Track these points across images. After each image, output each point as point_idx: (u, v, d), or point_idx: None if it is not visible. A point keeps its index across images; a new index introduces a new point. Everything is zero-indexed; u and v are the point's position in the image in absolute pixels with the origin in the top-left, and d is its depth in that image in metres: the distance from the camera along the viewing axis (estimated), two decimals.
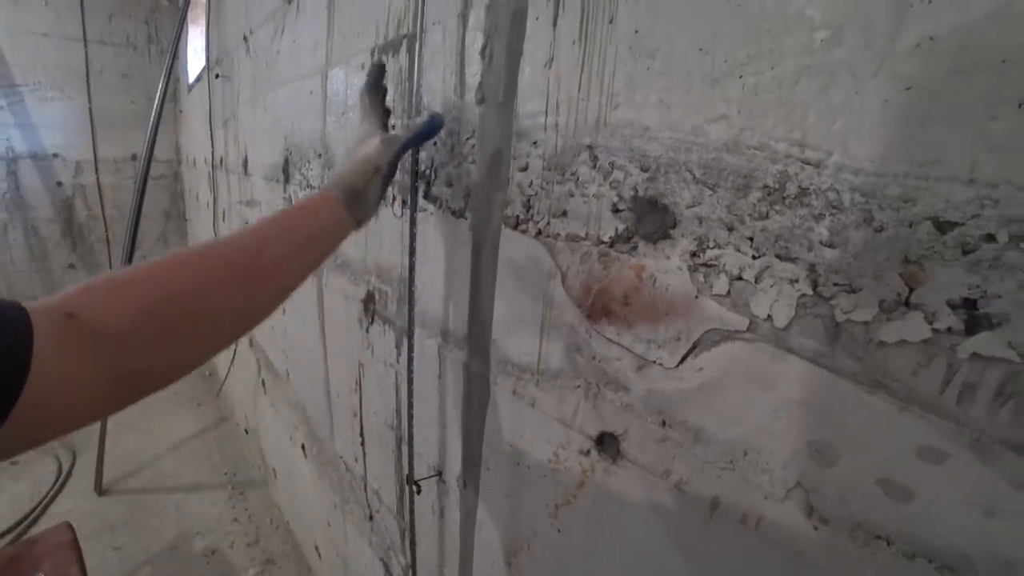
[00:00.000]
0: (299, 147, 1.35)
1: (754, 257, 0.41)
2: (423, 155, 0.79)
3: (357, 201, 0.60)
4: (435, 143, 0.77)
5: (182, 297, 0.43)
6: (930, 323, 0.33)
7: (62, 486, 2.37)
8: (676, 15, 0.44)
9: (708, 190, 0.43)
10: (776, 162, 0.39)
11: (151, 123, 2.30)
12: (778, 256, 0.39)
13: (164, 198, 4.05)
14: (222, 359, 2.93)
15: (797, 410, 0.39)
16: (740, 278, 0.42)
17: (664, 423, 0.49)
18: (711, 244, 0.43)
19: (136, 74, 3.77)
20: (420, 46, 0.76)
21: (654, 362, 0.49)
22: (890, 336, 0.34)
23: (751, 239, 0.41)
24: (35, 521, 2.14)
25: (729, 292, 0.43)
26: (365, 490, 1.24)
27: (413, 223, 0.76)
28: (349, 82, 1.03)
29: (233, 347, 2.60)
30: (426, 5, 0.74)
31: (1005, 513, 0.31)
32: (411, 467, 0.89)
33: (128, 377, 0.40)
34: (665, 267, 0.47)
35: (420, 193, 0.81)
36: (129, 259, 2.33)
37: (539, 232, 0.60)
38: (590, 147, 0.53)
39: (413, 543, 0.95)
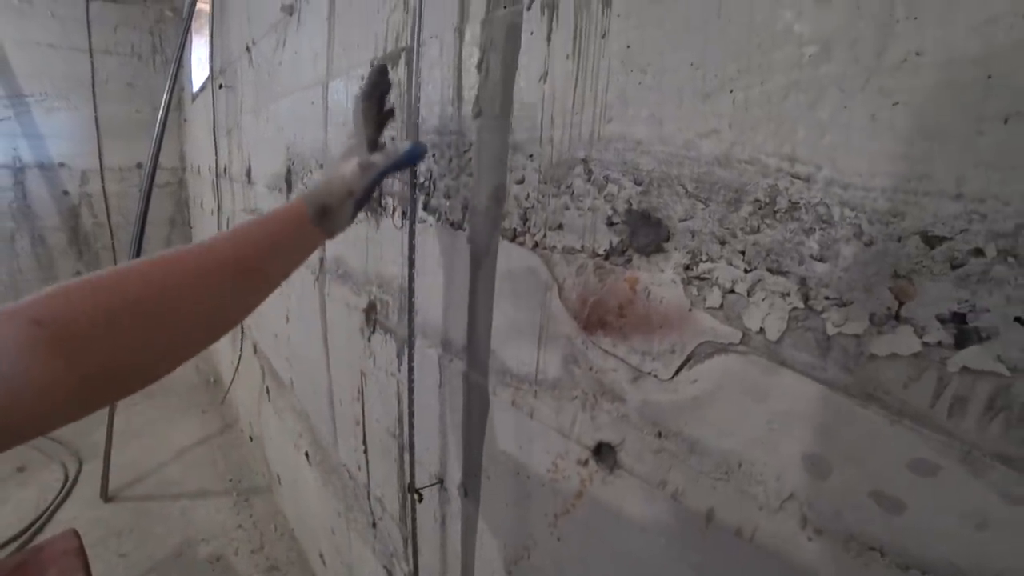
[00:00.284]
0: (301, 157, 1.36)
1: (746, 271, 0.41)
2: (422, 167, 0.80)
3: (327, 218, 0.60)
4: (433, 155, 0.77)
5: (147, 301, 0.43)
6: (920, 337, 0.33)
7: (68, 493, 2.38)
8: (667, 30, 0.44)
9: (700, 204, 0.43)
10: (767, 176, 0.39)
11: (156, 132, 2.32)
12: (770, 270, 0.40)
13: (169, 205, 4.09)
14: (226, 366, 2.94)
15: (790, 422, 0.40)
16: (732, 291, 0.42)
17: (660, 434, 0.49)
18: (704, 257, 0.44)
19: (141, 84, 3.81)
20: (418, 59, 0.77)
21: (649, 374, 0.50)
22: (881, 349, 0.35)
23: (743, 253, 0.41)
24: (41, 528, 2.15)
25: (722, 305, 0.43)
26: (368, 498, 1.24)
27: (412, 235, 0.77)
28: (349, 93, 1.04)
29: (238, 354, 2.61)
30: (423, 19, 0.75)
31: (996, 525, 0.31)
32: (413, 475, 0.89)
33: (95, 381, 0.40)
34: (659, 280, 0.48)
35: (420, 205, 0.81)
36: None
37: (536, 244, 0.60)
38: (584, 161, 0.53)
39: (415, 551, 0.96)
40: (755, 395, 0.42)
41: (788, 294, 0.39)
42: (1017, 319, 0.29)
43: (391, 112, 0.70)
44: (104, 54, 3.65)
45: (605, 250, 0.52)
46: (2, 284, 3.23)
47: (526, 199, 0.61)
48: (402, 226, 0.89)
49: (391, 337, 0.99)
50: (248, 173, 1.96)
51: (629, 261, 0.50)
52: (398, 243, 0.91)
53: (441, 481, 0.89)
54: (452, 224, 0.75)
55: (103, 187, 3.79)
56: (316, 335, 1.42)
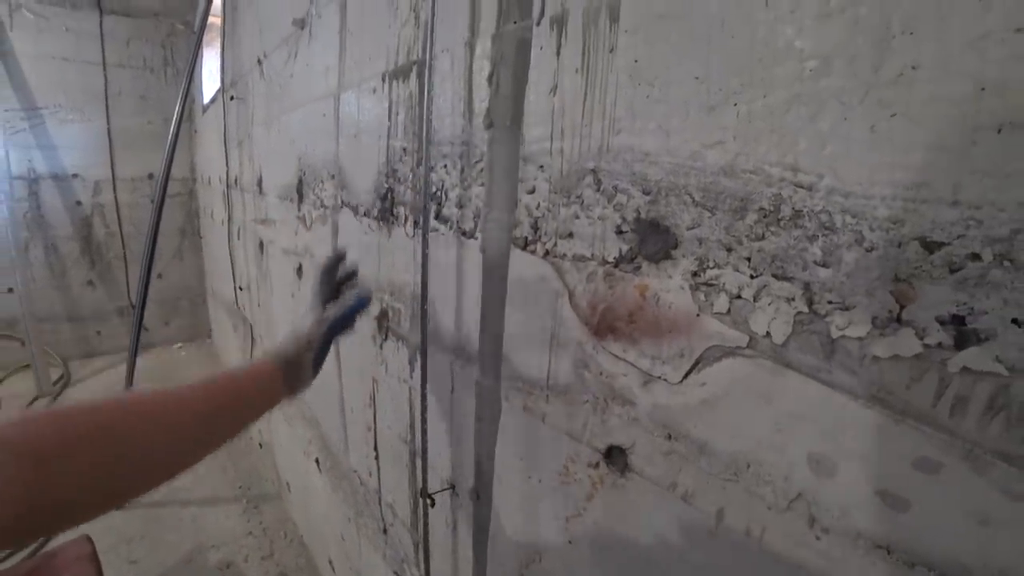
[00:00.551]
0: (313, 167, 1.38)
1: (752, 276, 0.42)
2: (434, 177, 0.82)
3: (294, 371, 0.66)
4: (445, 166, 0.79)
5: (106, 441, 0.44)
6: (921, 339, 0.34)
7: None
8: (673, 46, 0.46)
9: (707, 212, 0.45)
10: (771, 185, 0.41)
11: (168, 144, 2.36)
12: (775, 275, 0.41)
13: (179, 216, 4.14)
14: None
15: (796, 423, 0.41)
16: (739, 296, 0.43)
17: (670, 436, 0.51)
18: (711, 264, 0.45)
19: (153, 96, 3.88)
20: (430, 72, 0.79)
21: (659, 377, 0.51)
22: (883, 351, 0.36)
23: (749, 259, 0.42)
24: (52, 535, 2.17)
25: (729, 310, 0.44)
26: (379, 504, 1.25)
27: (426, 244, 0.78)
28: (361, 105, 1.06)
29: None
30: (435, 34, 0.77)
31: (999, 522, 0.32)
32: (425, 481, 0.91)
33: (44, 508, 0.40)
34: (667, 286, 0.49)
35: (432, 214, 0.83)
36: (147, 275, 2.38)
37: (547, 253, 0.62)
38: (594, 171, 0.55)
39: (427, 556, 0.97)
40: (762, 397, 0.43)
41: (793, 299, 0.40)
42: (1014, 321, 0.30)
43: (350, 275, 0.80)
44: (117, 67, 3.71)
45: (615, 258, 0.54)
46: (17, 293, 3.28)
47: (537, 208, 0.63)
48: (414, 235, 0.91)
49: (403, 344, 1.01)
50: (259, 183, 1.99)
51: (638, 268, 0.52)
52: (410, 251, 0.93)
53: (453, 486, 0.90)
54: (464, 233, 0.77)
55: (115, 197, 3.84)
56: None
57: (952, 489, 0.34)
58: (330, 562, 1.81)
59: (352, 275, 0.81)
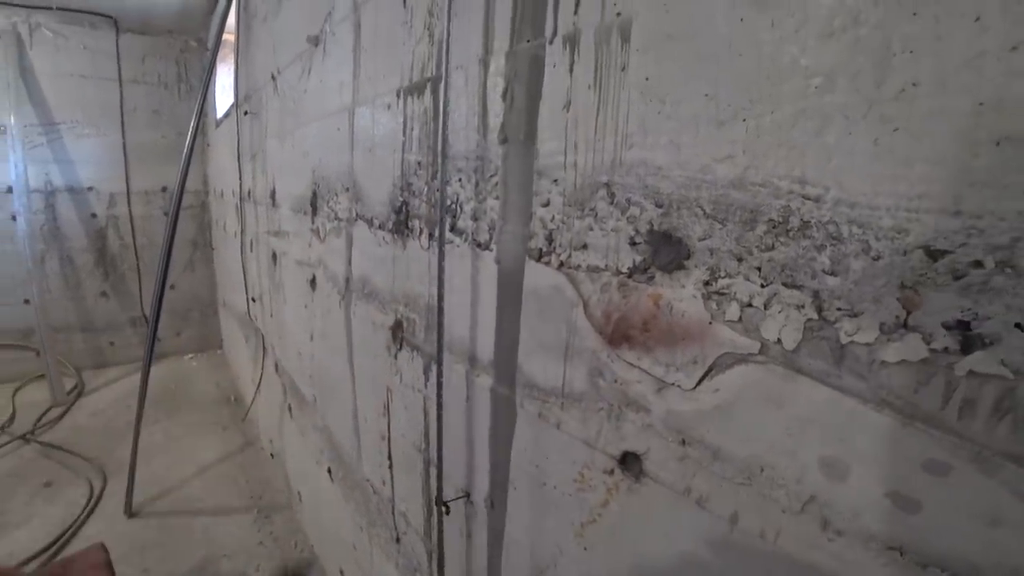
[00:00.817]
0: (327, 180, 1.41)
1: (762, 285, 0.44)
2: (449, 190, 0.84)
3: None
4: (460, 180, 0.82)
5: None
6: (928, 344, 0.35)
7: (93, 509, 2.42)
8: (683, 63, 0.48)
9: (718, 224, 0.47)
10: (779, 198, 0.42)
11: (184, 158, 2.40)
12: (785, 284, 0.42)
13: (191, 227, 4.20)
14: (247, 384, 3.00)
15: (808, 427, 0.42)
16: (750, 305, 0.45)
17: (684, 442, 0.52)
18: (723, 274, 0.47)
19: (166, 111, 3.96)
20: (446, 89, 0.81)
21: (672, 384, 0.52)
22: (891, 356, 0.37)
23: (759, 268, 0.44)
24: (67, 543, 2.19)
25: (741, 318, 0.46)
26: (392, 513, 1.26)
27: (442, 256, 0.80)
28: (376, 120, 1.09)
29: (259, 373, 2.66)
30: (449, 52, 0.79)
31: (1009, 523, 0.33)
32: (440, 489, 0.92)
33: None
34: (680, 295, 0.51)
35: (447, 226, 0.85)
36: (162, 287, 2.41)
37: (561, 264, 0.64)
38: (607, 184, 0.57)
39: (441, 564, 0.97)
40: (774, 402, 0.44)
41: (803, 306, 0.41)
42: (1017, 325, 0.32)
43: None
44: (132, 83, 3.80)
45: (628, 268, 0.55)
46: (33, 304, 3.33)
47: (551, 221, 0.65)
48: (428, 247, 0.93)
49: (418, 354, 1.02)
50: (272, 196, 2.03)
51: (652, 278, 0.53)
52: (425, 263, 0.95)
53: (468, 494, 0.91)
54: (479, 244, 0.79)
55: (129, 210, 3.92)
56: (341, 353, 1.46)
57: (962, 490, 0.35)
58: (341, 572, 1.81)
59: None
